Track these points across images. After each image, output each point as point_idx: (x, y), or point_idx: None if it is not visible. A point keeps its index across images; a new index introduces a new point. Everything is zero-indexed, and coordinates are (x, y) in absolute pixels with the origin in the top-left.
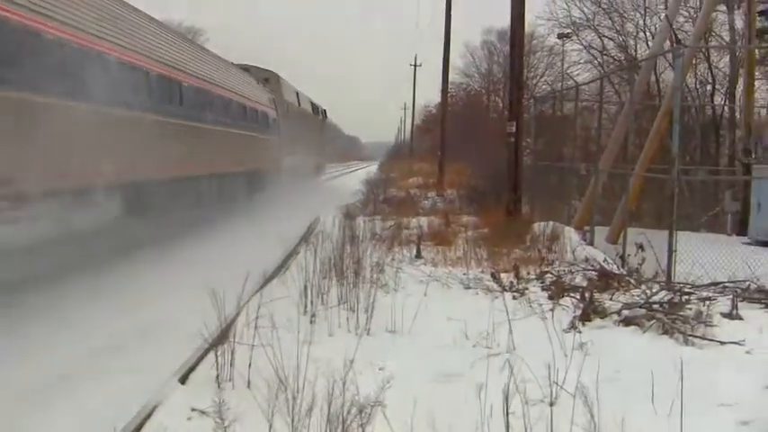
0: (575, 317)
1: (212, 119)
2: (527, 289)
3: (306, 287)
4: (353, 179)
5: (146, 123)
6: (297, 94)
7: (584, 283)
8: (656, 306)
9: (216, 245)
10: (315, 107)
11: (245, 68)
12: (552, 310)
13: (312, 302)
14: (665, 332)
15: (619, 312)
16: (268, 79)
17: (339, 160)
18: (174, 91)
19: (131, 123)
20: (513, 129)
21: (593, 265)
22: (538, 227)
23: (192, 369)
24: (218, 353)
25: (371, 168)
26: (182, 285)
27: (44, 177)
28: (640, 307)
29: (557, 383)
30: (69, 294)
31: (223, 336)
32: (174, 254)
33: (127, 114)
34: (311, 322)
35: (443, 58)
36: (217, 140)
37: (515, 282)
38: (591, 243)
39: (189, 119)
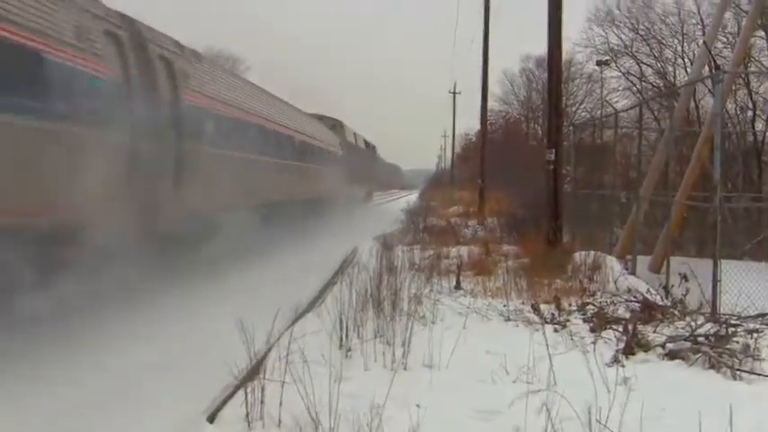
0: (617, 350)
1: (303, 159)
2: (568, 321)
3: (341, 320)
4: (395, 207)
5: (273, 164)
6: (354, 135)
7: (627, 315)
8: (701, 339)
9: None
10: (367, 144)
11: (320, 118)
12: (594, 342)
13: (347, 336)
14: (712, 366)
15: (663, 345)
16: (335, 125)
17: (382, 189)
18: (286, 142)
19: (269, 165)
20: (553, 156)
21: (635, 296)
22: (579, 256)
23: (220, 407)
24: (248, 390)
25: (412, 197)
26: (214, 318)
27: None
28: (685, 340)
29: (599, 422)
30: None
31: (253, 372)
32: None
33: (268, 160)
34: (346, 357)
35: (482, 86)
36: (305, 175)
37: (556, 313)
38: (633, 272)
39: (292, 160)
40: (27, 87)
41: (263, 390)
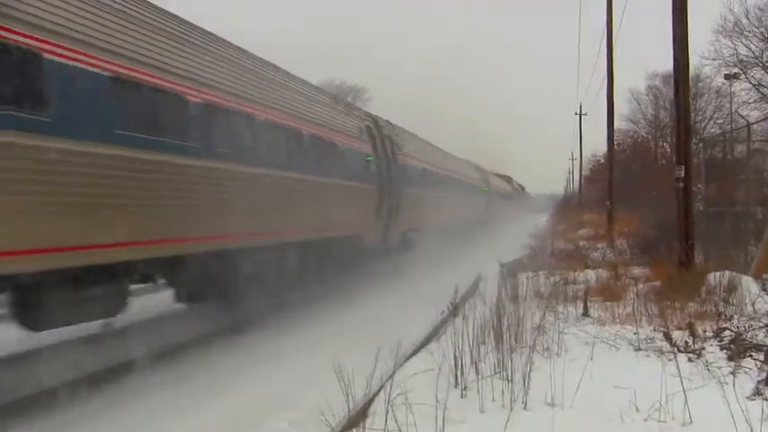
0: (759, 381)
1: (460, 195)
2: (703, 349)
3: (455, 355)
4: (524, 229)
5: (447, 198)
6: (515, 182)
7: None
8: None
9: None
10: (521, 186)
11: (499, 175)
12: (733, 373)
13: (463, 373)
14: None
15: None
16: (509, 179)
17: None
18: (451, 183)
19: (445, 199)
20: (682, 173)
21: None
22: (713, 277)
23: None
24: None
25: (540, 221)
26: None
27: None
28: None
29: None
30: None
31: (353, 423)
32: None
33: (444, 195)
34: (462, 396)
35: (607, 106)
36: (461, 206)
37: (690, 341)
38: None
39: (453, 195)
40: (350, 166)
41: None
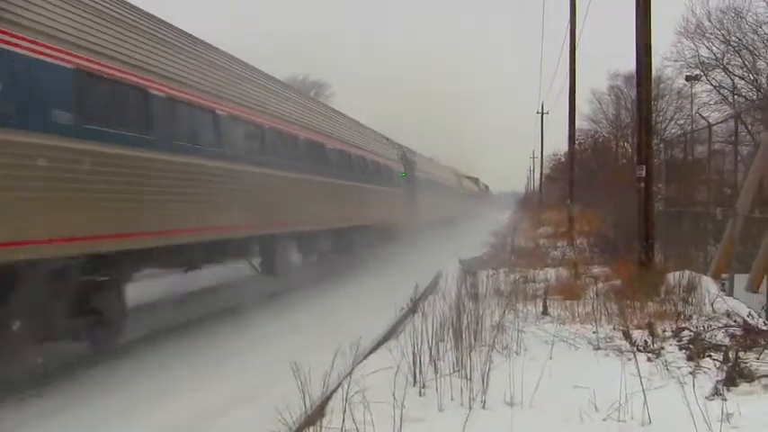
0: (718, 381)
1: (450, 197)
2: (663, 348)
3: (414, 353)
4: (484, 228)
5: (444, 199)
6: (482, 183)
7: (727, 341)
8: None
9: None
10: (485, 186)
11: (468, 177)
12: (692, 373)
13: (422, 371)
14: None
15: None
16: (476, 180)
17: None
18: (446, 187)
19: (444, 199)
20: (643, 173)
21: (735, 320)
22: (672, 277)
23: None
24: None
25: (502, 218)
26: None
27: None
28: None
29: None
30: None
31: (309, 422)
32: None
33: (442, 196)
34: (420, 395)
35: (569, 105)
36: (445, 204)
37: (650, 340)
38: (730, 293)
39: (446, 197)
40: (393, 180)
41: None
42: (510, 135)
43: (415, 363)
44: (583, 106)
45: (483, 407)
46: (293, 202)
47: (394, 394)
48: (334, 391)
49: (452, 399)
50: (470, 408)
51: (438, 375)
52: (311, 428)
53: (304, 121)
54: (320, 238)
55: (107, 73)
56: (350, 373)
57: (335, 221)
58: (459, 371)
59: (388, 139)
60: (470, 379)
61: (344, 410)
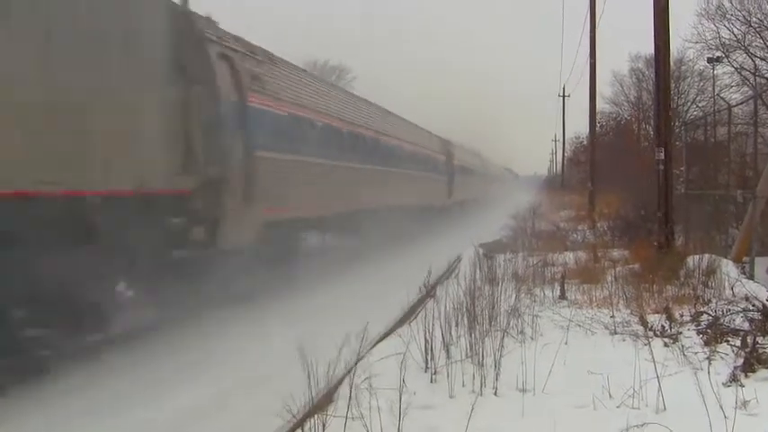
0: (735, 367)
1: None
2: (680, 333)
3: (426, 339)
4: (506, 211)
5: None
6: (513, 172)
7: (746, 326)
8: None
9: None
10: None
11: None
12: (709, 359)
13: (433, 357)
14: None
15: None
16: (509, 169)
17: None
18: (481, 173)
19: (479, 181)
20: (662, 155)
21: (754, 304)
22: (692, 260)
23: None
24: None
25: (525, 201)
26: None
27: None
28: None
29: None
30: None
31: (316, 409)
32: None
33: (477, 179)
34: (432, 381)
35: (590, 88)
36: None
37: (667, 325)
38: (751, 276)
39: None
40: (439, 168)
41: (324, 427)
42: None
43: (426, 348)
44: (604, 89)
45: (495, 393)
46: (375, 189)
47: (403, 380)
48: (344, 377)
49: (464, 385)
50: (481, 394)
51: (450, 361)
52: (316, 416)
53: (386, 129)
54: (389, 215)
55: (299, 115)
56: (358, 361)
57: (405, 201)
58: (471, 357)
59: (429, 132)
60: (483, 365)
61: (350, 397)
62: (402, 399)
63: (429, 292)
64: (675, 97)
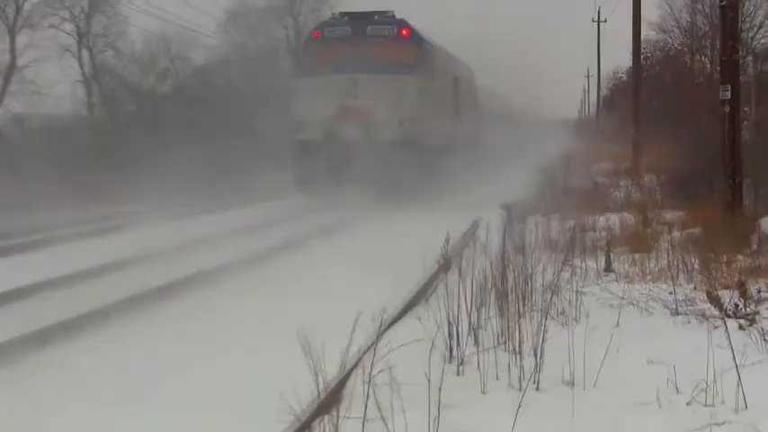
0: None
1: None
2: (757, 314)
3: (449, 321)
4: (536, 159)
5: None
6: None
7: None
8: None
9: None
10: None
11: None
12: None
13: (459, 344)
14: None
15: None
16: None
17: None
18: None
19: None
20: (728, 94)
21: None
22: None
23: None
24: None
25: (553, 149)
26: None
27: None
28: None
29: None
30: None
31: (323, 409)
32: None
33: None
34: (458, 374)
35: (633, 9)
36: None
37: (741, 303)
38: None
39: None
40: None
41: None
42: (560, 49)
43: (450, 334)
44: (649, 12)
45: (537, 388)
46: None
47: (427, 374)
48: (353, 368)
49: (498, 378)
50: (520, 389)
51: (479, 349)
52: (326, 418)
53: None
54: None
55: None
56: (374, 344)
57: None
58: (505, 343)
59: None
60: (520, 353)
61: (366, 395)
62: (423, 395)
63: (446, 265)
64: (740, 20)
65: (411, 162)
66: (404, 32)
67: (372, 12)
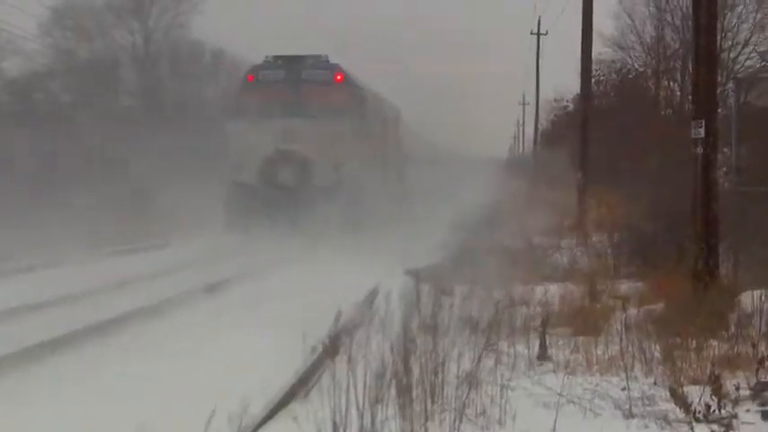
0: None
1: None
2: (735, 417)
3: (335, 424)
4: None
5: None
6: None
7: None
8: None
9: None
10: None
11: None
12: None
13: None
14: None
15: None
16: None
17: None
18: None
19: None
20: (702, 132)
21: None
22: (749, 299)
23: None
24: None
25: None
26: None
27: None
28: None
29: None
30: None
31: None
32: None
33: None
34: None
35: (583, 19)
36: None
37: (715, 404)
38: None
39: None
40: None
41: None
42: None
43: None
44: (604, 22)
45: None
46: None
47: None
48: None
49: None
50: None
51: None
52: None
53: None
54: None
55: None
56: None
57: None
58: None
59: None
60: None
61: None
62: None
63: (333, 349)
64: (719, 36)
65: (341, 206)
66: (338, 77)
67: (306, 55)
